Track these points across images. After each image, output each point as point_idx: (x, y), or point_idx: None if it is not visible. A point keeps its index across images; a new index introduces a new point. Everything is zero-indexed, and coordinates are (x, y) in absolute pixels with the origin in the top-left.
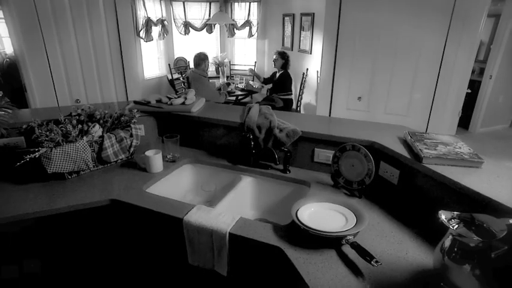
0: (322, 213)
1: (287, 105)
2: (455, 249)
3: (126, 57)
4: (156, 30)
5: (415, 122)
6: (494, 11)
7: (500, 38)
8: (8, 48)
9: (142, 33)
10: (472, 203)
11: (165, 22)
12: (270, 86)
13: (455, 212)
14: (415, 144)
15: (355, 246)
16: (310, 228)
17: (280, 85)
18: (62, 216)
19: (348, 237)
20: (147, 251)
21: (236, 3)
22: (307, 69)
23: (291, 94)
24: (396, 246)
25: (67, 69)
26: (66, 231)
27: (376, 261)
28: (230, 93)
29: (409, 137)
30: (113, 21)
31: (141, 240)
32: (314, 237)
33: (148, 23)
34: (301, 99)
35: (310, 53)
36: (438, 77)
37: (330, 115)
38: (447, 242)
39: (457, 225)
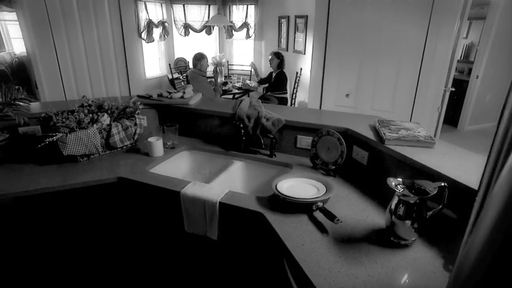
0: (298, 186)
1: (282, 104)
2: (400, 206)
3: (129, 57)
4: (157, 32)
5: (399, 117)
6: (482, 14)
7: (486, 39)
8: (17, 49)
9: (144, 35)
10: (421, 174)
11: (166, 24)
12: (266, 85)
13: (400, 179)
14: (381, 130)
15: (323, 210)
16: (286, 196)
17: (276, 84)
18: (75, 191)
19: (318, 204)
20: (149, 223)
21: (234, 6)
22: (301, 68)
23: (286, 93)
24: (359, 213)
25: (74, 66)
26: (79, 205)
27: (338, 220)
28: (227, 91)
29: (378, 124)
30: (117, 22)
31: (144, 213)
32: (290, 204)
33: (150, 25)
34: (295, 97)
35: (304, 53)
36: (419, 74)
37: None
38: (394, 202)
39: (402, 189)
